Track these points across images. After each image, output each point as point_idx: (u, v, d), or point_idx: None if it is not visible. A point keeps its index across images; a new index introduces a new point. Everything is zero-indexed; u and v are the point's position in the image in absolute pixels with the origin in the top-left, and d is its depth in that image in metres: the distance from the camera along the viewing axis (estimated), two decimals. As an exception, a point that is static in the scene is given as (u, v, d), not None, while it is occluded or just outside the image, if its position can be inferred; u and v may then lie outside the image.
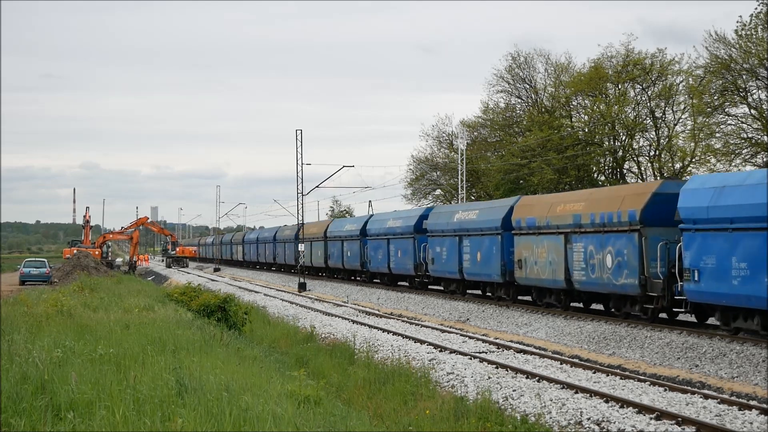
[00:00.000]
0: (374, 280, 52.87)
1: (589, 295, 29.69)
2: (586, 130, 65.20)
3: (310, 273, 65.65)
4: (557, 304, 30.98)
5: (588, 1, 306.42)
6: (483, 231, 35.71)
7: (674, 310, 25.37)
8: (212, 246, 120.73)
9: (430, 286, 43.73)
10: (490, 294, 36.54)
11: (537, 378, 19.40)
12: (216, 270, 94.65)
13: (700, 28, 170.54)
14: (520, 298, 34.29)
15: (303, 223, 65.23)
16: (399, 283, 48.69)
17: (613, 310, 28.24)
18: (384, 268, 48.54)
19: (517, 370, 20.43)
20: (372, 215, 58.05)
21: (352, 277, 57.71)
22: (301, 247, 63.27)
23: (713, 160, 55.50)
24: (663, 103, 62.17)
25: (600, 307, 30.24)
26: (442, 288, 41.88)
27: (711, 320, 24.48)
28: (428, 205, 67.87)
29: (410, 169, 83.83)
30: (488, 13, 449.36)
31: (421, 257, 42.90)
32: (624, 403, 16.46)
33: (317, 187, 69.81)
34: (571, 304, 30.92)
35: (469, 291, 38.84)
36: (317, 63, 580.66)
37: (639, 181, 61.31)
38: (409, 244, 44.15)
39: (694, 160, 58.13)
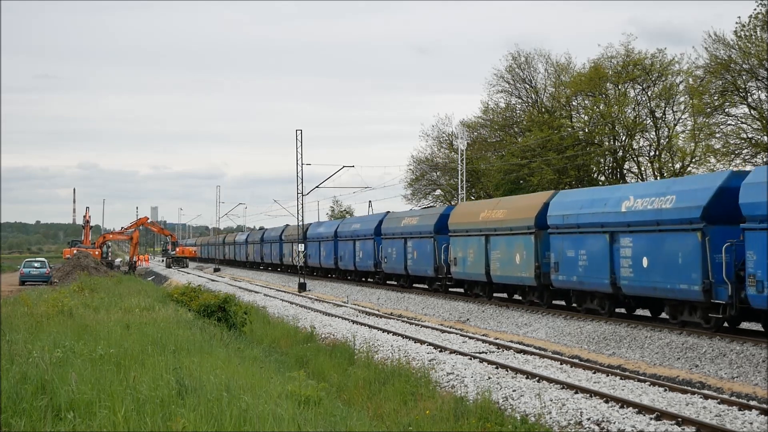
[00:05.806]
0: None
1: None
2: (586, 131, 65.20)
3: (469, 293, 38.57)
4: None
5: (582, 2, 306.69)
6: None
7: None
8: (245, 245, 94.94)
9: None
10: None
11: (537, 378, 19.40)
12: (216, 270, 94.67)
13: (693, 29, 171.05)
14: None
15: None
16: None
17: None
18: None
19: (517, 371, 20.43)
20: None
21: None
22: (301, 247, 62.07)
23: (713, 160, 55.57)
24: (663, 104, 62.21)
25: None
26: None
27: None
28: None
29: (410, 169, 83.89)
30: (488, 13, 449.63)
31: None
32: (624, 403, 16.46)
33: (317, 187, 69.68)
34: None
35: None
36: (317, 63, 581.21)
37: (639, 181, 61.26)
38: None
39: (694, 160, 58.19)
